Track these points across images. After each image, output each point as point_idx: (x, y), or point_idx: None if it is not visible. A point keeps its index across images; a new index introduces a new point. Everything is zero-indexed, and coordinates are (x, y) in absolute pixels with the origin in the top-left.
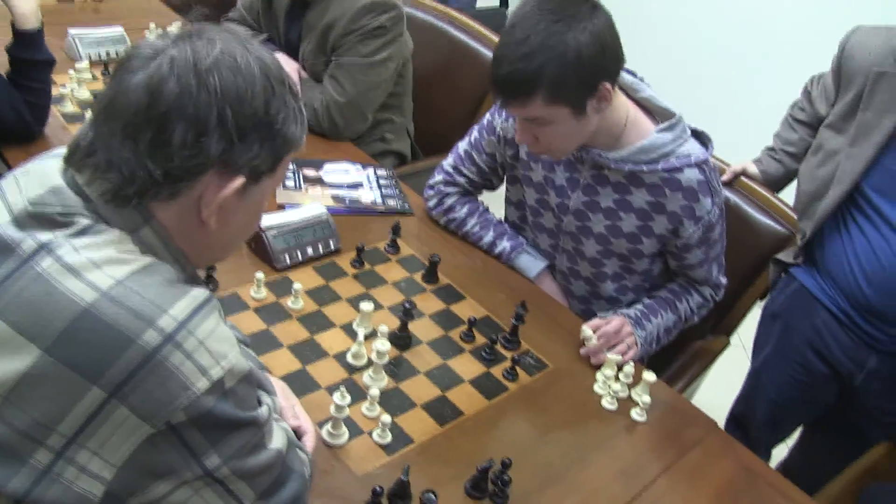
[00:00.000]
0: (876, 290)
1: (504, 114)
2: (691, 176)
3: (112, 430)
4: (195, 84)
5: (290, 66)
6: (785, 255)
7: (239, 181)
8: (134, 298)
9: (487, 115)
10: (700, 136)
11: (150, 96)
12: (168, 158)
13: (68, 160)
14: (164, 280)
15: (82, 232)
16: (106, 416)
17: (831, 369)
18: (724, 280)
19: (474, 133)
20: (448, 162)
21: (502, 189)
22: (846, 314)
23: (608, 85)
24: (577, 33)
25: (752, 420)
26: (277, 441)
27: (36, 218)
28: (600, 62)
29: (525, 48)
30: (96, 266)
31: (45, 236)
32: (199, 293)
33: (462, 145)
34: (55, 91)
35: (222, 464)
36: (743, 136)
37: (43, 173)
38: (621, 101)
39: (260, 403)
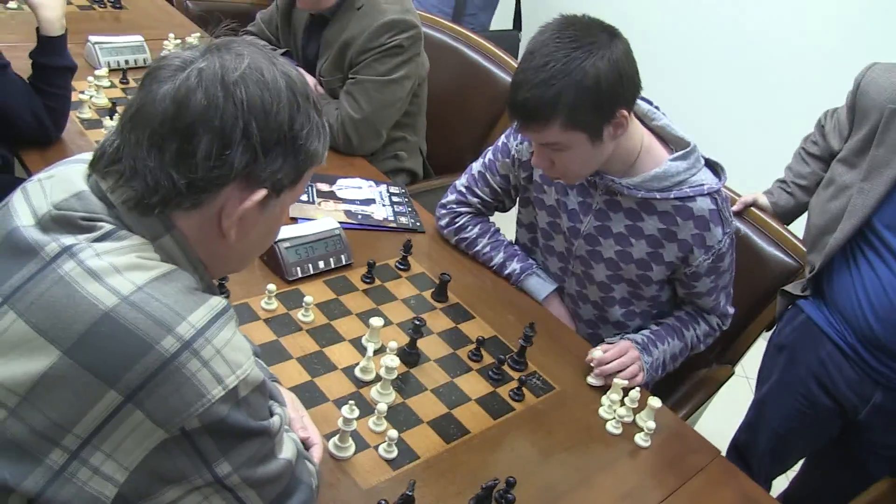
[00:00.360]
0: (884, 326)
1: (519, 136)
2: (703, 205)
3: (126, 434)
4: (222, 97)
5: (306, 79)
6: (793, 287)
7: (261, 194)
8: (153, 304)
9: (502, 138)
10: (713, 166)
11: (177, 107)
12: (192, 169)
13: (93, 166)
14: (183, 287)
15: (104, 237)
16: (121, 419)
17: (835, 403)
18: (731, 310)
19: (489, 154)
20: (461, 182)
21: (513, 211)
22: (853, 348)
23: (625, 112)
24: (596, 60)
25: (754, 450)
26: (287, 451)
27: (59, 222)
28: (618, 90)
29: (544, 74)
30: (118, 271)
31: (68, 240)
32: (217, 302)
33: (476, 166)
34: (74, 97)
35: (233, 472)
36: (751, 164)
37: (68, 178)
38: (637, 129)
39: (272, 414)
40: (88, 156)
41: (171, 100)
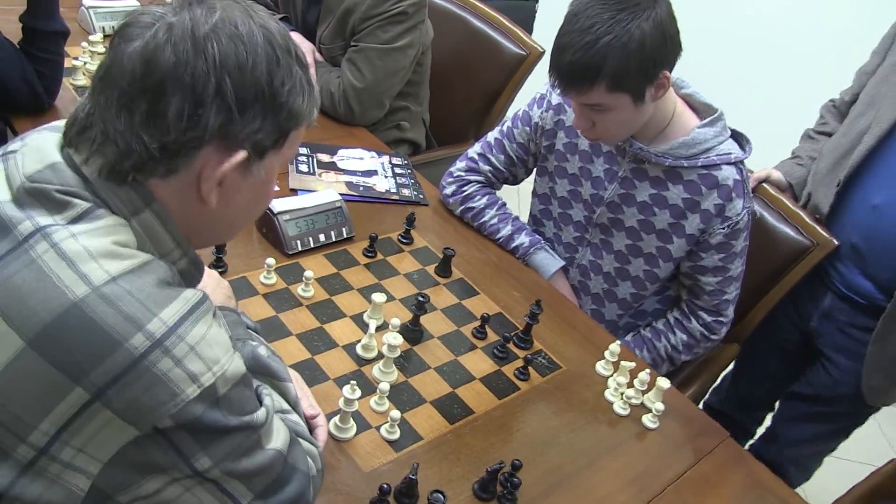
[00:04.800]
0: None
1: (544, 104)
2: (728, 174)
3: (97, 430)
4: (192, 52)
5: (305, 46)
6: None
7: (240, 156)
8: (125, 298)
9: (524, 107)
10: (738, 138)
11: (145, 65)
12: (164, 131)
13: (66, 134)
14: (157, 280)
15: (80, 217)
16: (90, 416)
17: (795, 308)
18: (729, 314)
19: (507, 123)
20: (474, 150)
21: (513, 189)
22: None
23: (667, 73)
24: (641, 21)
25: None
26: (278, 441)
27: (34, 195)
28: (662, 51)
29: (589, 37)
30: (92, 258)
31: (43, 219)
32: (192, 295)
33: (492, 134)
34: (67, 63)
35: (213, 466)
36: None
37: (40, 148)
38: (671, 94)
39: (261, 403)
40: (62, 124)
41: (138, 58)
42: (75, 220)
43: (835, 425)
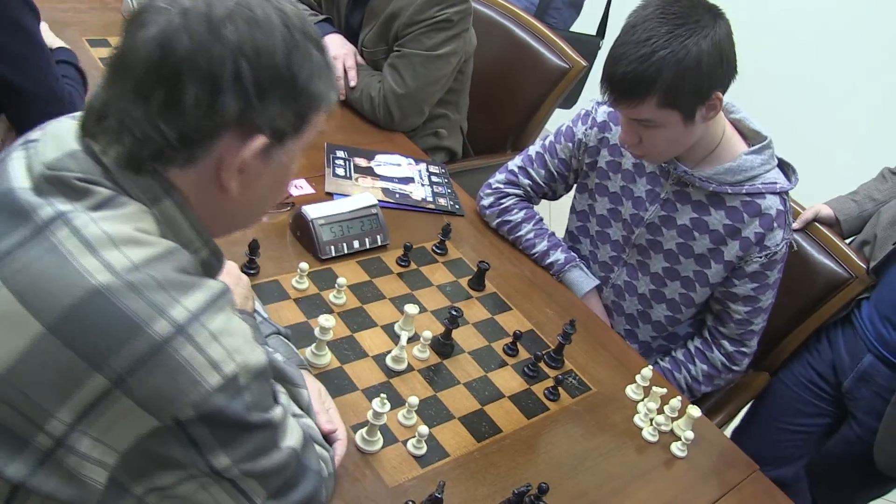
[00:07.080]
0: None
1: (588, 121)
2: (772, 203)
3: (115, 420)
4: (208, 37)
5: (346, 48)
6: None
7: (260, 142)
8: (149, 284)
9: (567, 123)
10: (784, 168)
11: (160, 51)
12: (182, 119)
13: (83, 126)
14: (179, 268)
15: (102, 205)
16: (109, 405)
17: (831, 352)
18: (752, 347)
19: (549, 137)
20: (514, 163)
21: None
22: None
23: (720, 94)
24: (699, 39)
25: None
26: (292, 439)
27: (54, 183)
28: (717, 71)
29: (645, 49)
30: (114, 244)
31: (63, 205)
32: (215, 285)
33: (533, 148)
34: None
35: (231, 465)
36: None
37: (58, 136)
38: (720, 118)
39: (276, 401)
40: (80, 113)
41: (153, 44)
42: (97, 207)
43: (879, 488)
